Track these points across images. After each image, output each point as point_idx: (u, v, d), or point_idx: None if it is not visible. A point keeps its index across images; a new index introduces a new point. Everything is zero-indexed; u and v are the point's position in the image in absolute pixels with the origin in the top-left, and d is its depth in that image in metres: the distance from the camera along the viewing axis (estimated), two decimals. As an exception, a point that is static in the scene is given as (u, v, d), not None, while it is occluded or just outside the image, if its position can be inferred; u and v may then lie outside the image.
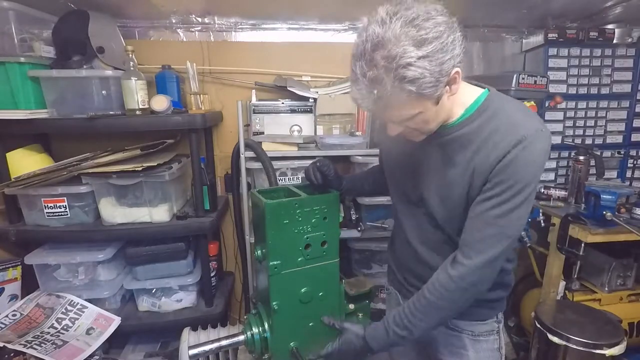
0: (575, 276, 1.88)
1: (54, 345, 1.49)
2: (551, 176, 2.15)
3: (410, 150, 0.95)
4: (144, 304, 1.80)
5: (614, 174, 2.19)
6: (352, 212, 1.91)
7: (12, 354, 1.42)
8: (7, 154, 1.63)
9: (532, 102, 1.71)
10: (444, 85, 0.77)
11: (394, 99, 0.77)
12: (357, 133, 1.88)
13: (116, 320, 1.68)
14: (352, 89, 0.81)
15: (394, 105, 0.79)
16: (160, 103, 1.65)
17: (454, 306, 0.90)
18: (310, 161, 1.17)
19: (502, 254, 0.86)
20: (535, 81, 1.71)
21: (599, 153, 1.97)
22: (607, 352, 1.41)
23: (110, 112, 1.58)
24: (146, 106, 1.63)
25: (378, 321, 0.98)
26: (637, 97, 2.14)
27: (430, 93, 0.76)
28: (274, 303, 1.05)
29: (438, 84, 0.76)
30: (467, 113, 0.89)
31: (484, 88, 0.93)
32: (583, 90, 2.10)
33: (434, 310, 0.89)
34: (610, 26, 2.12)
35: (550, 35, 1.98)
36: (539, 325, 1.57)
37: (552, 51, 2.02)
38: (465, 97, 0.90)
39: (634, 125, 2.17)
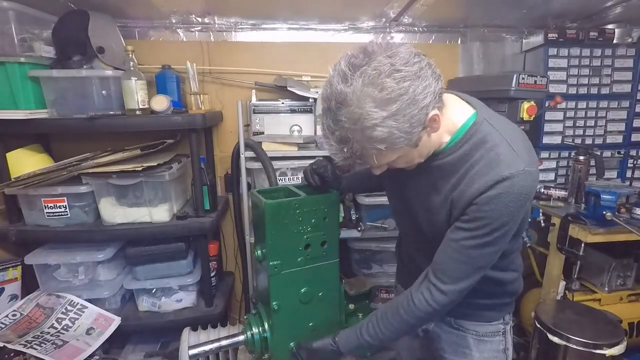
0: (575, 276, 1.88)
1: (54, 345, 1.49)
2: (551, 176, 2.15)
3: (400, 170, 0.92)
4: (144, 304, 1.80)
5: (614, 174, 2.19)
6: (352, 212, 1.91)
7: (12, 354, 1.42)
8: (7, 154, 1.63)
9: (532, 102, 1.71)
10: (420, 132, 0.74)
11: (366, 154, 0.76)
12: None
13: (116, 320, 1.68)
14: (326, 143, 0.80)
15: (368, 158, 0.78)
16: (160, 103, 1.65)
17: (423, 322, 0.97)
18: (310, 161, 1.17)
19: (474, 282, 0.87)
20: (535, 81, 1.71)
21: (599, 153, 1.96)
22: (607, 352, 1.41)
23: (110, 112, 1.58)
24: (146, 106, 1.63)
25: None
26: (637, 97, 2.14)
27: (403, 144, 0.74)
28: (274, 303, 1.05)
29: (411, 135, 0.73)
30: (455, 139, 0.84)
31: (473, 107, 0.87)
32: (583, 90, 2.09)
33: (406, 326, 0.93)
34: (610, 26, 2.11)
35: (550, 35, 1.97)
36: (539, 325, 1.57)
37: (552, 51, 2.02)
38: (454, 121, 0.85)
39: (634, 125, 2.16)
